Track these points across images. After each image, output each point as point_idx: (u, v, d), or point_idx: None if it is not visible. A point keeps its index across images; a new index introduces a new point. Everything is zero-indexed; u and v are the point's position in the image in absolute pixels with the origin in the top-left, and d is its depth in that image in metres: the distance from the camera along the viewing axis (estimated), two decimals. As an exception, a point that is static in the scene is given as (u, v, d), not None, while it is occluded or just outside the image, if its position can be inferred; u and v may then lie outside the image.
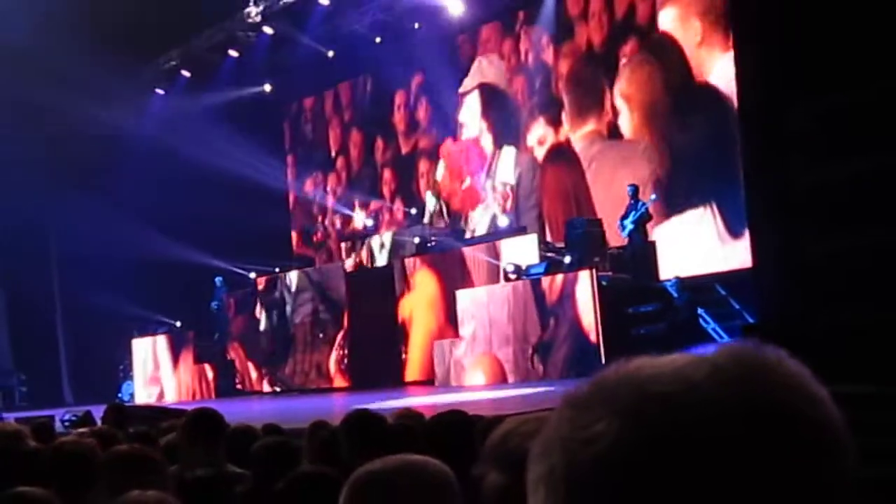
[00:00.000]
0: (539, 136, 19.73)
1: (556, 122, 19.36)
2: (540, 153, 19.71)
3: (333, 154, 24.52)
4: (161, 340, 22.58)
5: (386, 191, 23.13)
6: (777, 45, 9.59)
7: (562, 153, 19.24)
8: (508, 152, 20.32)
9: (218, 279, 22.42)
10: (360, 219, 23.43)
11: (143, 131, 22.94)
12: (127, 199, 21.93)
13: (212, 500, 3.85)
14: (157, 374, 22.55)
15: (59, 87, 19.76)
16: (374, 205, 23.16)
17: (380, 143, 23.24)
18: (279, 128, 25.43)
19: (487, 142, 20.84)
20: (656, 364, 0.74)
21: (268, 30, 21.74)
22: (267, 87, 23.88)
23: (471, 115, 21.22)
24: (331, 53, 22.24)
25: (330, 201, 24.32)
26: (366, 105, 23.56)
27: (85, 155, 21.83)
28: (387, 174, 23.18)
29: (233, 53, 22.77)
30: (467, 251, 17.60)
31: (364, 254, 20.26)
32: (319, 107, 24.70)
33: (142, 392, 22.54)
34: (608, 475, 0.69)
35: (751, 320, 12.95)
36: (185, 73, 23.73)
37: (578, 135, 18.98)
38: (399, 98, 22.64)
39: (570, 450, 0.72)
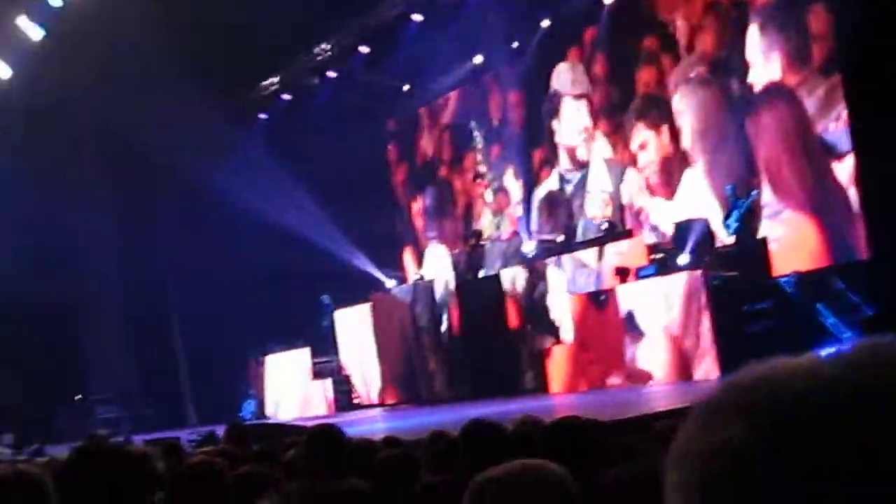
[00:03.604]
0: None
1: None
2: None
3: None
4: (279, 358, 22.91)
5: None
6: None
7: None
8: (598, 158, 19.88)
9: (324, 297, 22.67)
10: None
11: (248, 149, 23.35)
12: (237, 214, 22.21)
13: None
14: (277, 391, 22.89)
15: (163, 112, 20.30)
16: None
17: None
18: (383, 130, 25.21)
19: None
20: (790, 364, 0.72)
21: (364, 49, 21.98)
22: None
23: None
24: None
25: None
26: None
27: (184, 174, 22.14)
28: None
29: (331, 74, 23.04)
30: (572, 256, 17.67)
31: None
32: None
33: (262, 409, 22.91)
34: (743, 481, 0.68)
35: (870, 312, 12.63)
36: (286, 97, 24.11)
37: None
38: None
39: (703, 456, 0.70)
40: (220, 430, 9.66)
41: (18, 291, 22.38)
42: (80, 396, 23.42)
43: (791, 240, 15.87)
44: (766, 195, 16.28)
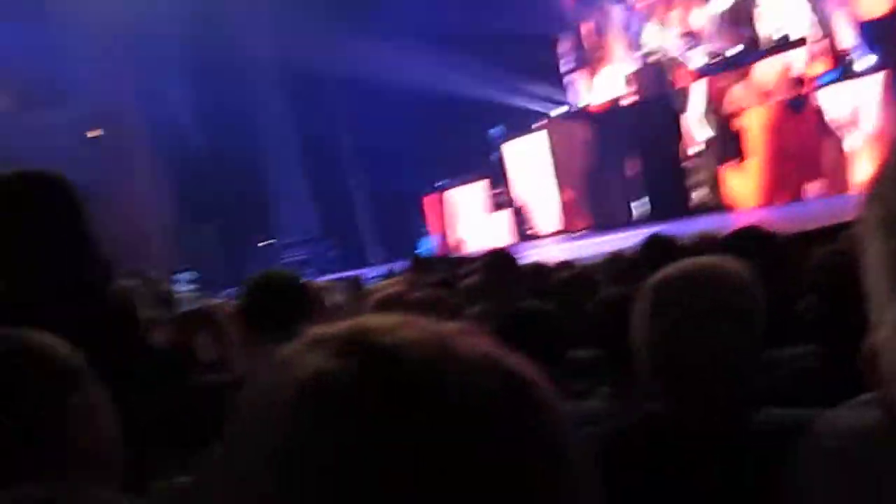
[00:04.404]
0: None
1: None
2: None
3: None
4: (456, 193, 23.04)
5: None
6: None
7: None
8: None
9: (494, 130, 22.50)
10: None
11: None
12: (404, 51, 21.99)
13: (518, 333, 3.85)
14: (455, 226, 23.10)
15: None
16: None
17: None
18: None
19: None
20: None
21: None
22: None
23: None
24: None
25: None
26: None
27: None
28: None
29: None
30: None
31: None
32: None
33: (443, 245, 23.19)
34: None
35: None
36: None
37: None
38: None
39: None
40: (398, 267, 9.81)
41: (206, 146, 23.21)
42: (266, 241, 24.25)
43: None
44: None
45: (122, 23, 21.21)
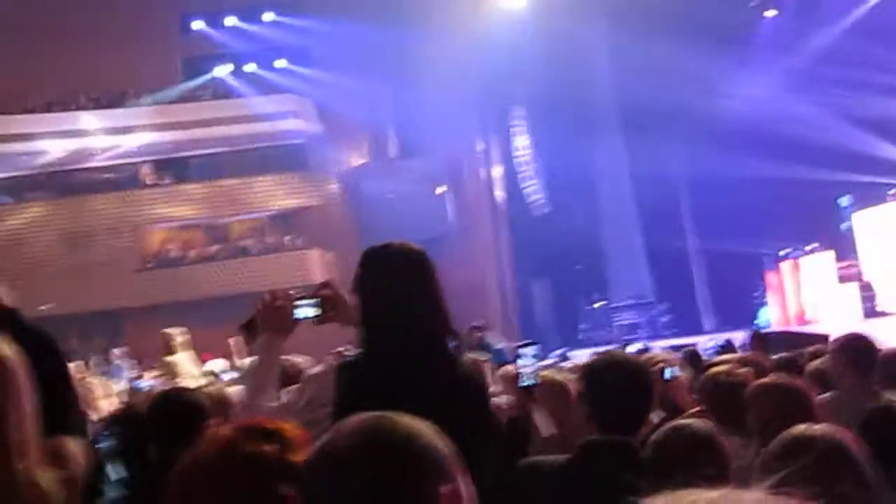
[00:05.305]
0: None
1: None
2: None
3: None
4: (800, 262, 22.00)
5: None
6: None
7: None
8: None
9: (843, 199, 21.30)
10: None
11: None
12: (743, 119, 21.40)
13: (883, 431, 3.56)
14: (797, 296, 22.02)
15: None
16: None
17: None
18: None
19: None
20: None
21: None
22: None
23: None
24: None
25: None
26: None
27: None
28: None
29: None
30: None
31: None
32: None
33: (780, 316, 22.20)
34: None
35: None
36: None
37: None
38: None
39: None
40: (734, 338, 9.54)
41: (544, 203, 23.84)
42: (598, 302, 24.34)
43: None
44: None
45: (474, 79, 22.16)
